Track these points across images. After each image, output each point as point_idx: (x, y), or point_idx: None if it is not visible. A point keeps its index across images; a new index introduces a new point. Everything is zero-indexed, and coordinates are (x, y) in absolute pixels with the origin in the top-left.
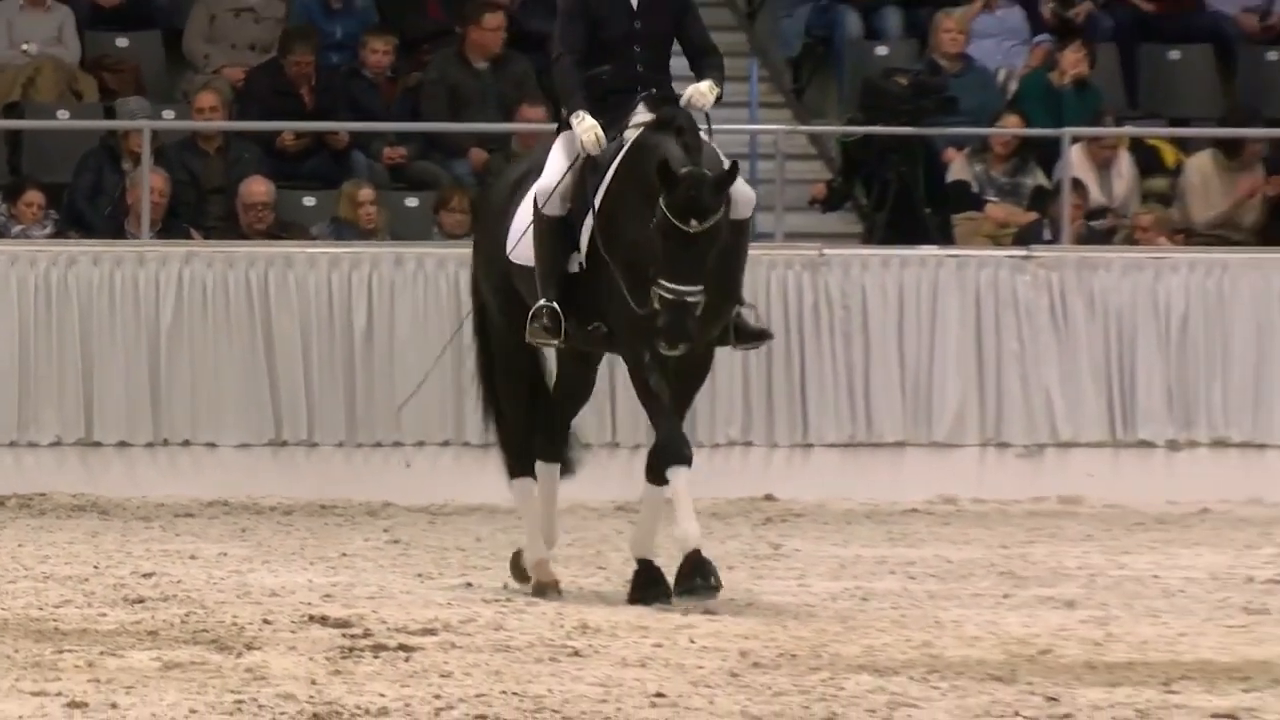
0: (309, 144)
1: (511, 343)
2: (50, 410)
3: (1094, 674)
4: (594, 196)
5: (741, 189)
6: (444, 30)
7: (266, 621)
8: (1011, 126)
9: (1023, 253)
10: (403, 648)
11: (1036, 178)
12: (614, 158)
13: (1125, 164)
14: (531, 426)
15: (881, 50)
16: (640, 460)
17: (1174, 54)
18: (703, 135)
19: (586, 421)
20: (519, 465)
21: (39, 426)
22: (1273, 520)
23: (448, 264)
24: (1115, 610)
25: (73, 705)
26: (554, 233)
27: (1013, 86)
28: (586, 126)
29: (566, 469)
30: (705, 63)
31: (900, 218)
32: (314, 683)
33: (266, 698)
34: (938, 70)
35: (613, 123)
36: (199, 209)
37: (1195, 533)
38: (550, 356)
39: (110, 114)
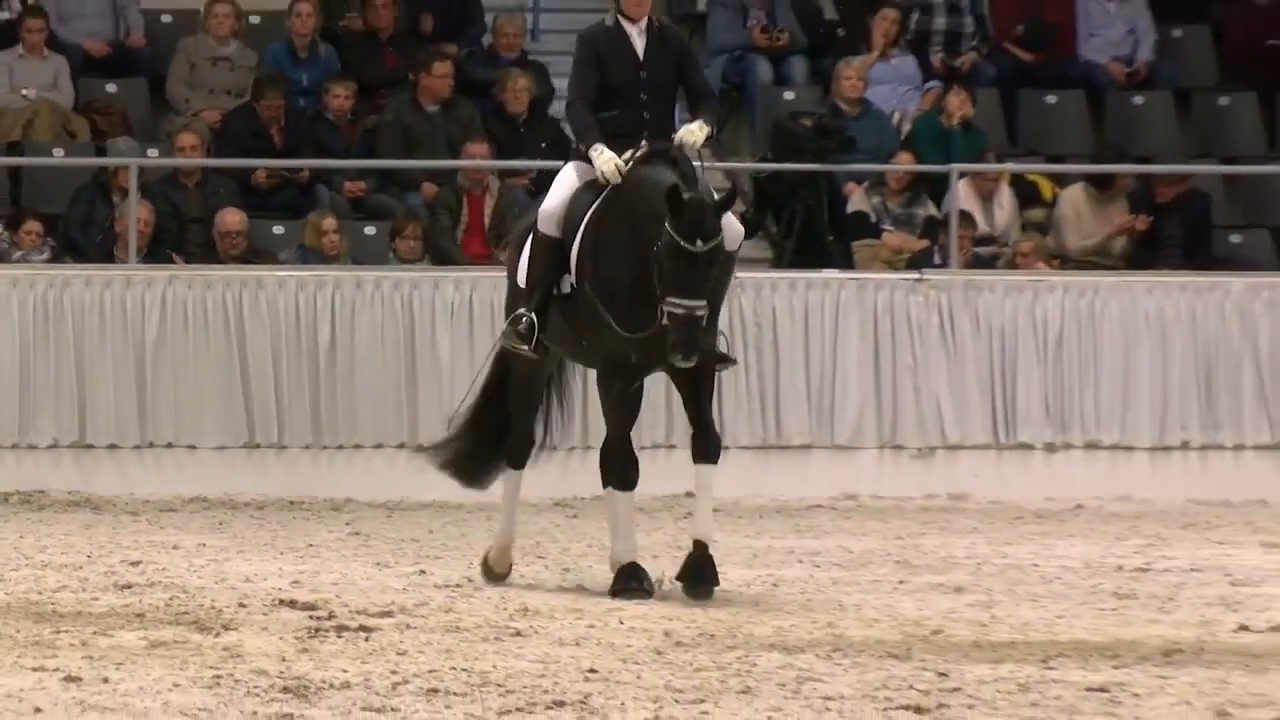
0: (278, 179)
1: (527, 363)
2: (47, 416)
3: (980, 652)
4: (582, 222)
5: (732, 224)
6: (399, 78)
7: (241, 605)
8: (905, 163)
9: (915, 276)
10: (363, 628)
11: (928, 209)
12: (605, 189)
13: (1007, 197)
14: (530, 434)
15: (789, 95)
16: (575, 461)
17: (1050, 99)
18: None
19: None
20: (514, 460)
21: (37, 430)
22: (1139, 515)
23: (402, 285)
24: (999, 595)
25: (68, 679)
26: (548, 251)
27: (906, 127)
28: (606, 159)
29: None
30: (702, 106)
31: (806, 245)
32: (284, 660)
33: (242, 673)
34: (839, 113)
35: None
36: (180, 237)
37: (1070, 526)
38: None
39: (101, 152)
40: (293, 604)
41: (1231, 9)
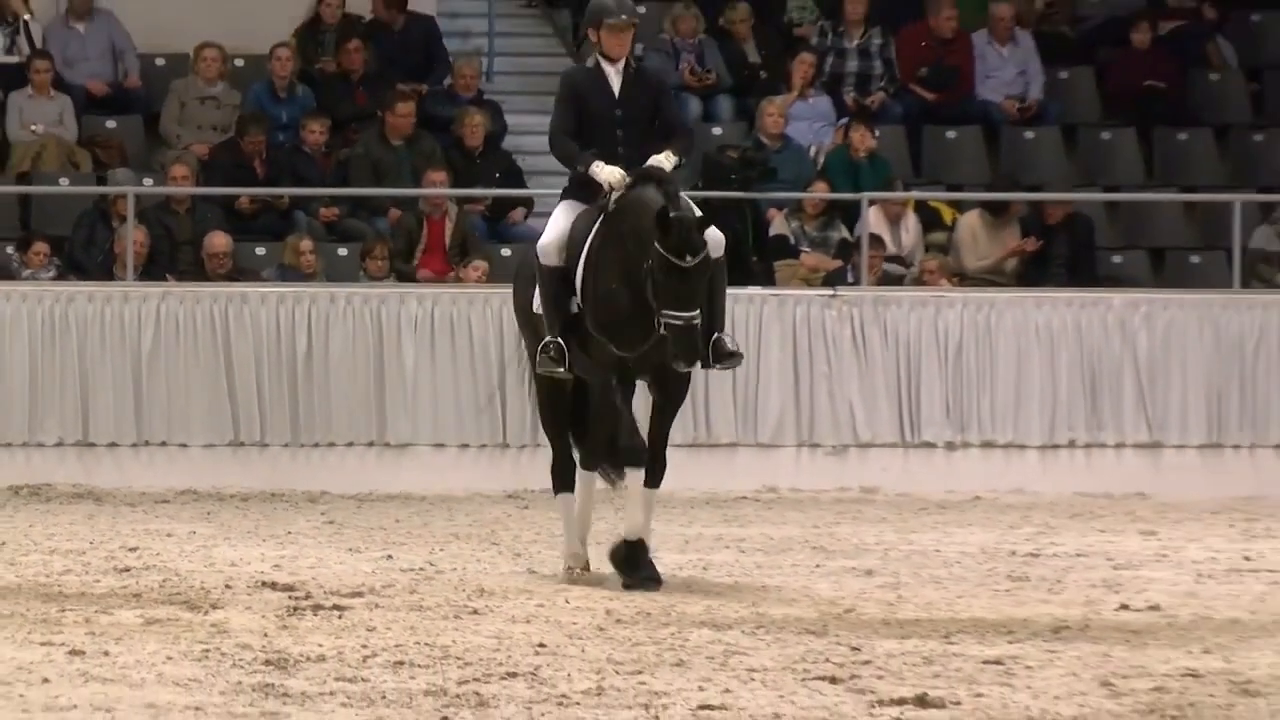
0: (260, 205)
1: (548, 385)
2: (54, 416)
3: (888, 628)
4: (582, 249)
5: (714, 234)
6: (368, 115)
7: (228, 586)
8: (820, 192)
9: (830, 292)
10: (336, 607)
11: (841, 232)
12: (598, 218)
13: (912, 221)
14: (569, 454)
15: (717, 131)
16: (526, 457)
17: (950, 133)
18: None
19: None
20: (559, 484)
21: (45, 429)
22: (1030, 506)
23: (371, 300)
24: (905, 577)
25: (73, 653)
26: (554, 280)
27: (821, 159)
28: (608, 170)
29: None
30: (673, 139)
31: (733, 265)
32: (266, 635)
33: (228, 647)
34: (762, 147)
35: (596, 193)
36: (172, 257)
37: (969, 516)
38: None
39: (101, 181)
40: (273, 585)
41: (1112, 53)
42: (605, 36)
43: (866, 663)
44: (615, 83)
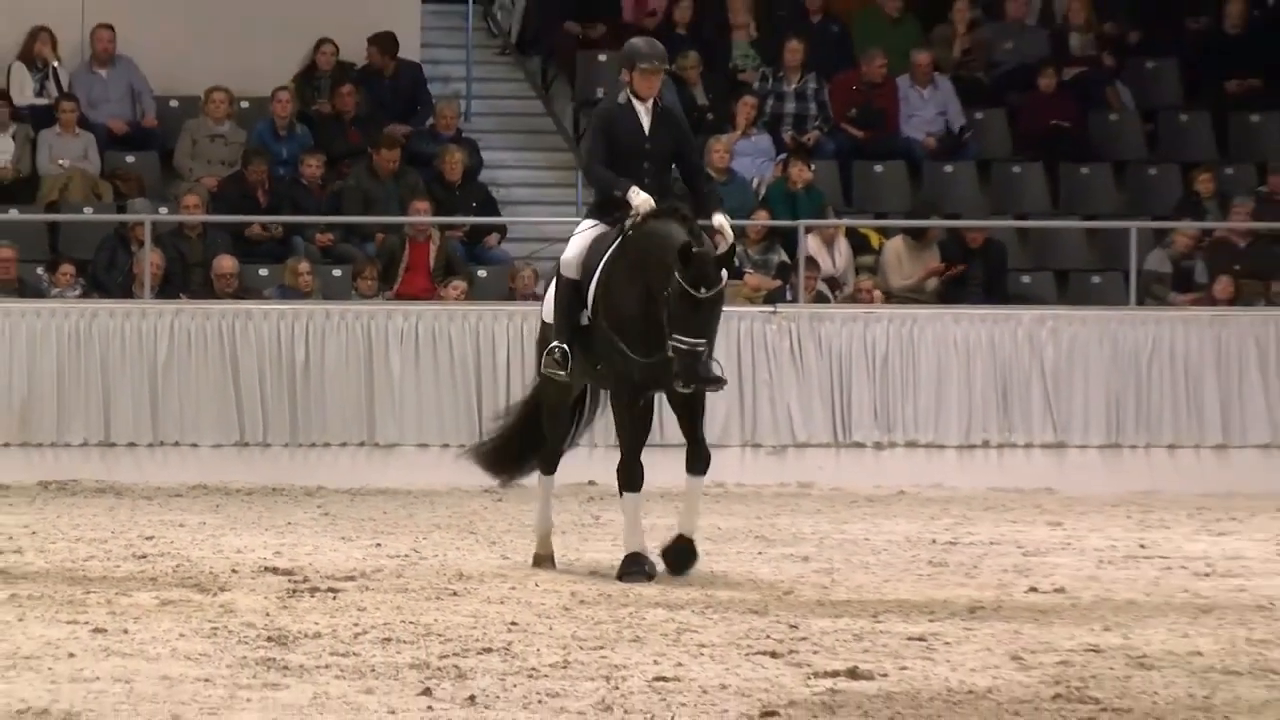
0: (266, 232)
1: (556, 390)
2: (79, 419)
3: (823, 608)
4: (597, 267)
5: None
6: (359, 151)
7: (234, 571)
8: (762, 219)
9: (771, 309)
10: (331, 590)
11: (780, 255)
12: (616, 239)
13: (843, 245)
14: (559, 446)
15: None
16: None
17: (878, 167)
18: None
19: (456, 421)
20: (545, 468)
21: (71, 431)
22: (949, 499)
23: (362, 316)
24: (838, 563)
25: (95, 631)
26: (569, 292)
27: (763, 190)
28: (642, 198)
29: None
30: (705, 188)
31: None
32: (268, 615)
33: (234, 625)
34: (710, 179)
35: (618, 215)
36: (185, 278)
37: (894, 508)
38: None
39: (121, 210)
40: (275, 570)
41: (1021, 96)
42: (638, 78)
43: (803, 639)
44: (645, 121)
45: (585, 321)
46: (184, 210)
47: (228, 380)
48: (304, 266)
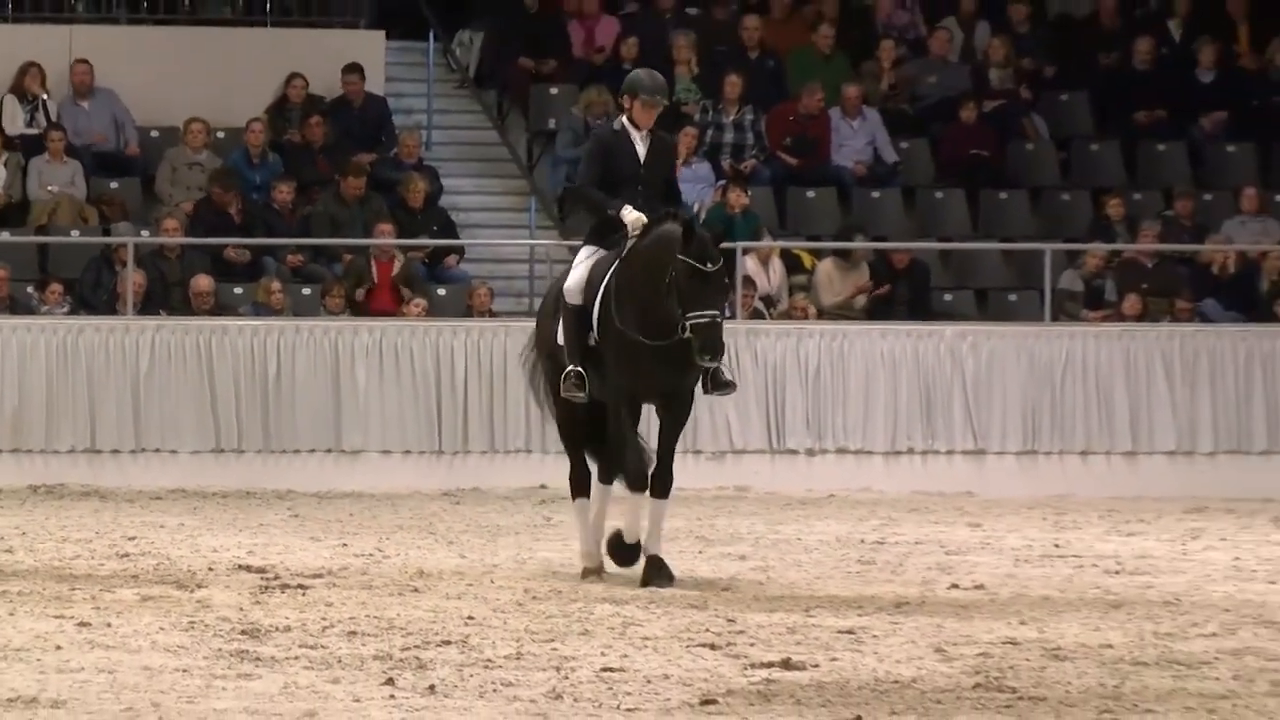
0: (244, 258)
1: (566, 406)
2: (67, 427)
3: (759, 603)
4: (599, 291)
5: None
6: (328, 178)
7: (210, 569)
8: None
9: None
10: (300, 586)
11: None
12: (614, 262)
13: (778, 266)
14: (584, 465)
15: None
16: (460, 463)
17: (810, 193)
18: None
19: (417, 429)
20: (576, 491)
21: (59, 438)
22: (876, 502)
23: (330, 331)
24: (772, 561)
25: (81, 624)
26: (576, 317)
27: (703, 215)
28: (634, 214)
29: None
30: (679, 206)
31: None
32: (242, 610)
33: (210, 619)
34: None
35: (615, 242)
36: (165, 296)
37: (825, 510)
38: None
39: (106, 233)
40: (248, 568)
41: (944, 127)
42: (638, 108)
43: (741, 632)
44: (641, 149)
45: (592, 343)
46: (164, 233)
47: (205, 391)
48: (276, 285)
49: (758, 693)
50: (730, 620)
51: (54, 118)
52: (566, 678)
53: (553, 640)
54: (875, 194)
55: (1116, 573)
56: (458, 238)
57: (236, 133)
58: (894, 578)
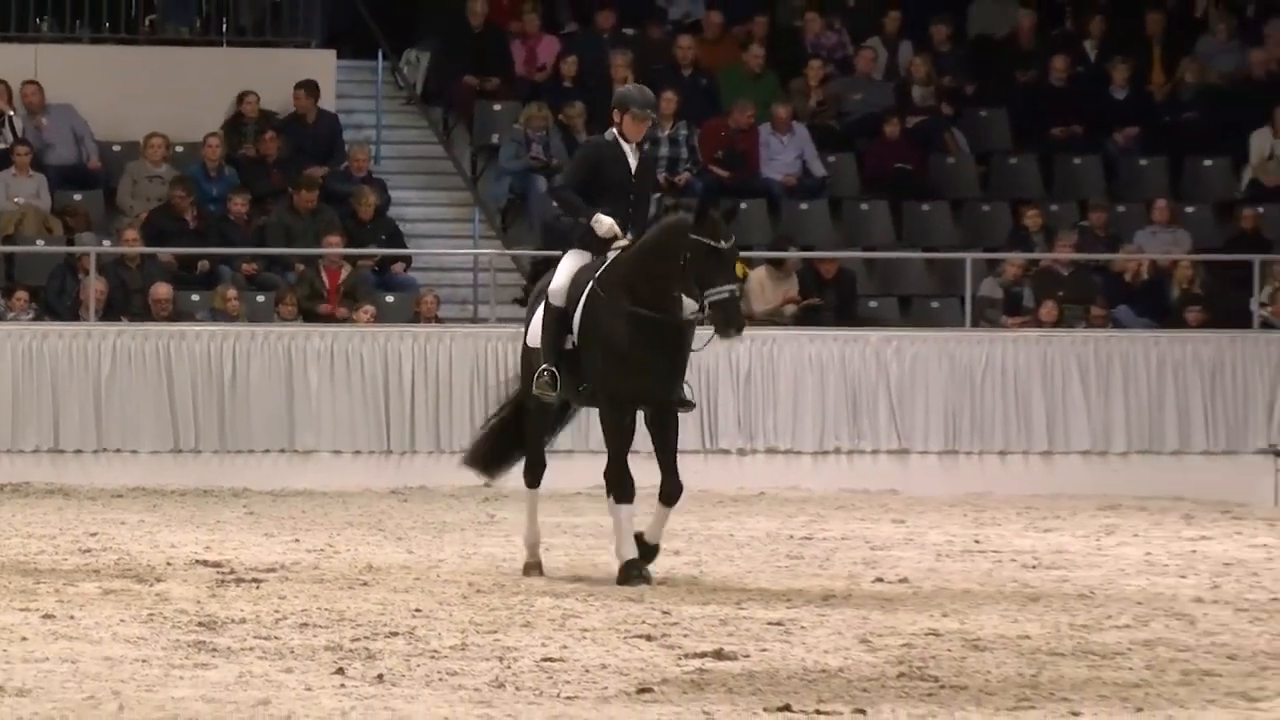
0: (194, 262)
1: (536, 403)
2: (31, 428)
3: (693, 596)
4: (582, 295)
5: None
6: (281, 191)
7: (169, 564)
8: None
9: None
10: (255, 580)
11: None
12: (599, 268)
13: None
14: (541, 459)
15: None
16: (407, 463)
17: (742, 204)
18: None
19: (366, 430)
20: (530, 481)
21: (24, 439)
22: (805, 500)
23: (284, 337)
24: (705, 556)
25: (45, 617)
26: (556, 319)
27: None
28: (607, 223)
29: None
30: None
31: None
32: (199, 603)
33: (169, 612)
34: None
35: (601, 249)
36: (126, 303)
37: (756, 507)
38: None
39: (70, 242)
40: (205, 563)
41: (869, 142)
42: (628, 121)
43: (675, 624)
44: (632, 161)
45: (570, 346)
46: (125, 243)
47: (164, 393)
48: (231, 293)
49: (691, 682)
50: (665, 613)
51: (20, 134)
52: (509, 667)
53: (496, 632)
54: (804, 205)
55: (1034, 567)
56: (405, 247)
57: (194, 147)
58: (821, 572)
